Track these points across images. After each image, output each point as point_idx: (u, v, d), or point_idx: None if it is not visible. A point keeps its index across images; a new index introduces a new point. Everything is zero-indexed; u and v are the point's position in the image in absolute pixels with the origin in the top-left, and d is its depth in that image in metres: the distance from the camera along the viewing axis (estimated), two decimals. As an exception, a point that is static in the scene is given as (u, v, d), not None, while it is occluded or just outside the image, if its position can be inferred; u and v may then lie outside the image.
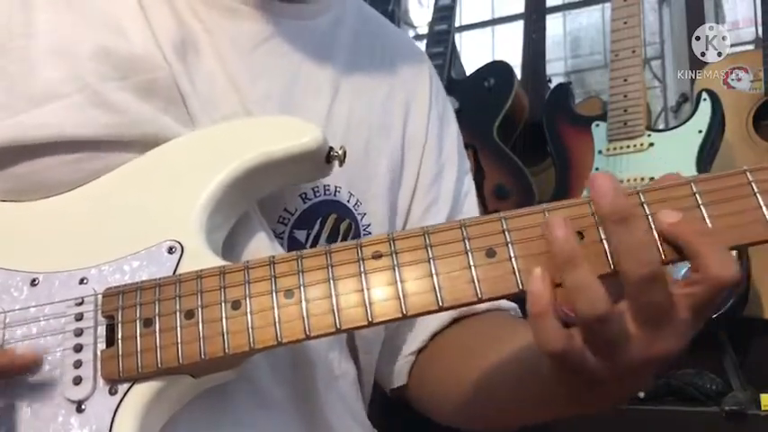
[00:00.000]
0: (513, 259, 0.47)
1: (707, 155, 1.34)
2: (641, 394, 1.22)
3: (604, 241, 0.46)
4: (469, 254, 0.48)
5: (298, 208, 0.66)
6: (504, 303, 0.75)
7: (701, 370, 1.24)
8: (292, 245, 0.65)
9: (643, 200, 0.47)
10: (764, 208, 0.46)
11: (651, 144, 1.38)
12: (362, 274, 0.49)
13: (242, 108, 0.64)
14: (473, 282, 0.47)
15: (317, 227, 0.66)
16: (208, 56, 0.65)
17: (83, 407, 0.51)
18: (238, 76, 0.65)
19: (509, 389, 0.60)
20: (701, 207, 0.46)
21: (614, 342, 0.45)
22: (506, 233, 0.48)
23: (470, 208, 0.81)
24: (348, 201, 0.68)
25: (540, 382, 0.52)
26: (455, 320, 0.73)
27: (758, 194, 0.46)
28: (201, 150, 0.60)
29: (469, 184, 0.82)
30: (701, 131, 1.36)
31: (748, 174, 0.47)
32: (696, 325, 0.46)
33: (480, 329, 0.71)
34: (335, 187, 0.67)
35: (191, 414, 0.56)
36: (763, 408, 1.12)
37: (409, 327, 0.74)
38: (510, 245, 0.47)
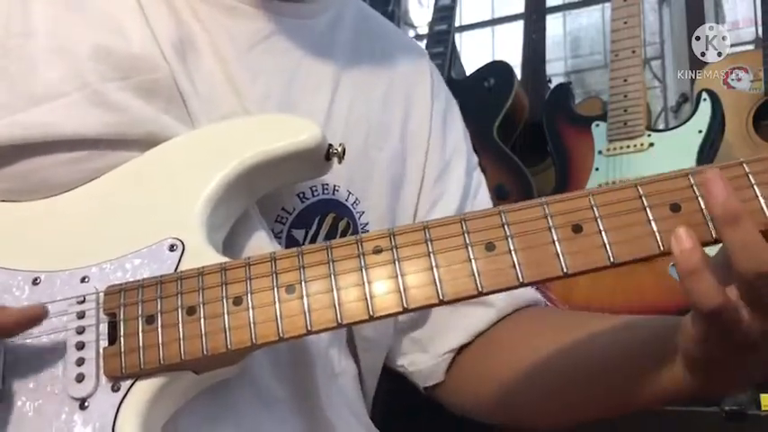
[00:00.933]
0: (512, 252, 0.47)
1: (707, 155, 1.33)
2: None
3: (603, 233, 0.46)
4: (469, 247, 0.48)
5: (296, 207, 0.66)
6: (542, 299, 0.75)
7: (701, 370, 1.24)
8: (290, 244, 0.65)
9: (641, 192, 0.47)
10: None
11: (651, 144, 1.38)
12: (363, 269, 0.49)
13: (241, 107, 0.64)
14: (473, 275, 0.47)
15: (314, 226, 0.66)
16: (207, 55, 0.65)
17: (86, 404, 0.51)
18: (237, 75, 0.65)
19: (612, 368, 0.60)
20: (699, 199, 0.46)
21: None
22: (506, 227, 0.48)
23: (482, 201, 0.81)
24: (347, 199, 0.68)
25: (657, 356, 0.52)
26: (500, 319, 0.73)
27: (756, 187, 0.46)
28: (201, 149, 0.60)
29: (479, 178, 0.82)
30: (701, 131, 1.36)
31: (745, 165, 0.46)
32: None
33: (544, 316, 0.72)
34: (334, 186, 0.68)
35: (192, 411, 0.56)
36: (763, 408, 1.12)
37: (440, 326, 0.74)
38: (509, 238, 0.48)
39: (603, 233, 0.47)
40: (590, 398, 0.63)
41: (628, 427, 1.20)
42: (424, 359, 0.74)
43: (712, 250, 0.47)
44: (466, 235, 0.48)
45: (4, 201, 0.60)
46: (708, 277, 0.44)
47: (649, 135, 1.39)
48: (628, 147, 1.40)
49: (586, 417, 0.66)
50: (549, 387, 0.65)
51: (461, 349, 0.73)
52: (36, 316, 0.52)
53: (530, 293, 0.75)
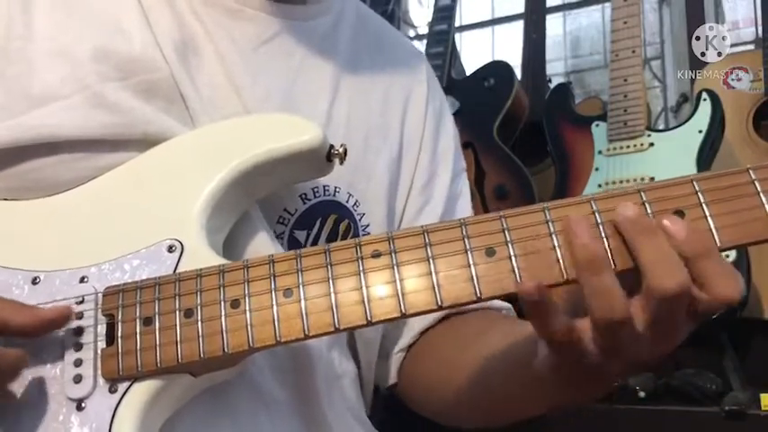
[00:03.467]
0: (512, 258, 0.47)
1: (707, 155, 1.33)
2: (642, 394, 1.21)
3: (605, 239, 0.46)
4: (469, 252, 0.48)
5: (297, 208, 0.66)
6: (497, 303, 0.74)
7: (700, 370, 1.24)
8: (292, 245, 0.65)
9: (645, 198, 0.47)
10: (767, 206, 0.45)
11: (651, 144, 1.38)
12: (361, 273, 0.49)
13: (242, 109, 0.64)
14: (472, 280, 0.47)
15: (316, 227, 0.66)
16: (208, 57, 0.65)
17: (83, 405, 0.51)
18: (239, 77, 0.65)
19: (499, 379, 0.60)
20: (703, 206, 0.46)
21: (623, 343, 0.46)
22: (506, 232, 0.48)
23: (462, 209, 0.81)
24: (347, 201, 0.68)
25: (530, 371, 0.52)
26: (445, 317, 0.73)
27: (761, 194, 0.46)
28: (202, 149, 0.60)
29: (463, 184, 0.82)
30: (701, 131, 1.36)
31: (751, 172, 0.46)
32: (692, 326, 0.47)
33: (471, 324, 0.71)
34: (335, 188, 0.68)
35: (192, 415, 0.56)
36: (763, 408, 1.12)
37: (399, 325, 0.74)
38: (509, 244, 0.47)
39: (605, 239, 0.46)
40: (492, 404, 0.64)
41: (628, 427, 1.20)
42: (384, 359, 0.74)
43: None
44: (466, 240, 0.48)
45: (4, 199, 0.60)
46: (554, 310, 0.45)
47: (649, 135, 1.39)
48: (628, 147, 1.40)
49: (494, 420, 0.66)
50: (459, 391, 0.65)
51: (410, 348, 0.74)
52: (61, 318, 0.52)
53: None
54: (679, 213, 0.46)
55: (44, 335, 0.52)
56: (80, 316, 0.53)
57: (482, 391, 0.62)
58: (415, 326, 0.73)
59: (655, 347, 0.46)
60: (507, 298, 0.49)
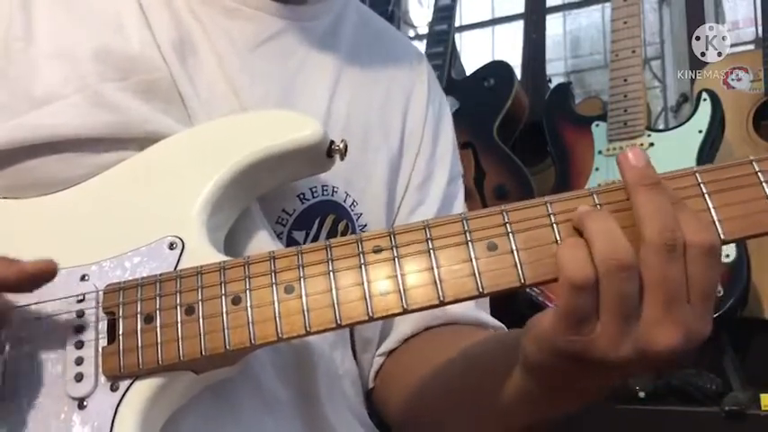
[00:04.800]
0: (514, 252, 0.47)
1: (707, 155, 1.34)
2: (641, 394, 1.22)
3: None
4: (471, 246, 0.48)
5: (296, 209, 0.65)
6: (491, 322, 0.74)
7: (700, 370, 1.24)
8: (291, 245, 0.65)
9: None
10: None
11: (651, 144, 1.39)
12: (363, 268, 0.49)
13: (240, 109, 0.64)
14: (474, 275, 0.47)
15: (315, 227, 0.66)
16: (207, 57, 0.65)
17: (85, 403, 0.51)
18: (237, 77, 0.65)
19: (488, 384, 0.58)
20: (706, 197, 0.46)
21: (627, 307, 0.44)
22: (507, 225, 0.48)
23: (457, 212, 0.80)
24: (344, 201, 0.68)
25: (502, 368, 0.52)
26: (428, 328, 0.71)
27: (764, 183, 0.46)
28: (202, 146, 0.60)
29: (459, 187, 0.82)
30: (701, 131, 1.36)
31: (755, 164, 0.46)
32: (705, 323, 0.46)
33: (454, 334, 0.70)
34: (333, 187, 0.67)
35: (194, 413, 0.56)
36: (763, 408, 1.12)
37: (383, 329, 0.73)
38: (512, 238, 0.47)
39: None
40: (466, 416, 0.62)
41: (628, 427, 1.20)
42: (366, 363, 0.73)
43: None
44: (467, 234, 0.48)
45: (4, 198, 0.60)
46: (585, 251, 0.44)
47: (649, 135, 1.39)
48: (628, 147, 1.40)
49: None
50: (432, 404, 0.64)
51: (389, 354, 0.72)
52: (46, 272, 0.51)
53: (471, 311, 0.72)
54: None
55: (28, 291, 0.51)
56: (81, 314, 0.53)
57: (471, 392, 0.61)
58: (398, 332, 0.71)
59: (657, 336, 0.44)
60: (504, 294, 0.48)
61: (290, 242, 0.65)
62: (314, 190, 0.66)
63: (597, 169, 1.43)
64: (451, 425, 0.64)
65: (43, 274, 0.51)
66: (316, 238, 0.66)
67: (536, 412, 0.54)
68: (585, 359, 0.45)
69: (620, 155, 0.47)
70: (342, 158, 0.61)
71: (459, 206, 0.81)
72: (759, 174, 0.46)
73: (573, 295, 0.44)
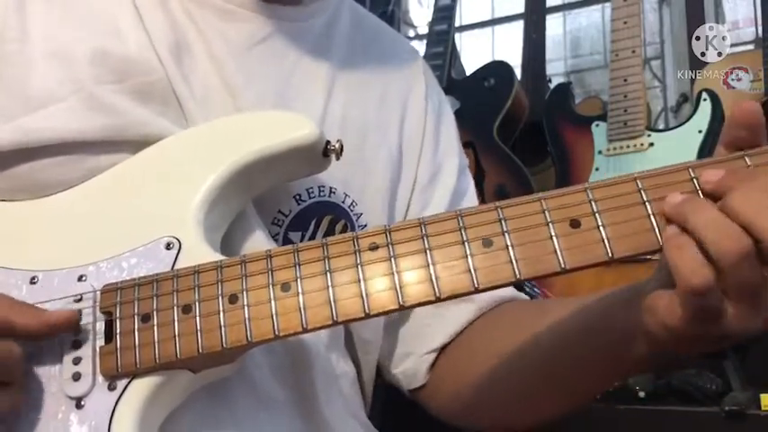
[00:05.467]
0: (509, 248, 0.47)
1: (707, 155, 1.33)
2: (641, 394, 1.21)
3: (601, 228, 0.46)
4: (466, 243, 0.48)
5: (292, 209, 0.65)
6: (523, 296, 0.74)
7: (700, 370, 1.24)
8: None
9: (641, 186, 0.47)
10: None
11: (651, 144, 1.38)
12: (359, 266, 0.49)
13: (236, 110, 0.64)
14: (470, 271, 0.47)
15: (311, 228, 0.66)
16: (202, 58, 0.65)
17: (82, 403, 0.51)
18: (232, 78, 0.65)
19: (580, 348, 0.58)
20: (701, 193, 0.46)
21: (755, 286, 0.43)
22: (503, 222, 0.48)
23: (470, 203, 0.80)
24: (343, 201, 0.68)
25: (616, 330, 0.51)
26: (481, 315, 0.72)
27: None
28: (198, 146, 0.60)
29: (468, 180, 0.82)
30: (701, 131, 1.36)
31: (747, 158, 0.46)
32: None
33: (523, 307, 0.71)
34: (330, 188, 0.67)
35: (191, 414, 0.56)
36: (763, 408, 1.12)
37: (423, 324, 0.73)
38: (506, 234, 0.47)
39: (602, 228, 0.46)
40: (556, 387, 0.62)
41: (628, 427, 1.20)
42: (406, 360, 0.73)
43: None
44: (462, 231, 0.48)
45: (2, 200, 0.60)
46: (696, 253, 0.43)
47: (649, 135, 1.39)
48: (628, 147, 1.40)
49: (556, 411, 0.65)
50: (515, 384, 0.65)
51: (443, 348, 0.72)
52: (68, 324, 0.52)
53: (510, 288, 0.73)
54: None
55: (49, 338, 0.52)
56: (78, 314, 0.53)
57: (560, 361, 0.61)
58: (447, 325, 0.71)
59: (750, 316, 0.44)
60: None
61: (286, 243, 0.65)
62: (310, 191, 0.66)
63: (597, 169, 1.42)
64: (546, 394, 0.64)
65: (65, 326, 0.52)
66: (312, 239, 0.66)
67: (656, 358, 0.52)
68: (723, 336, 0.44)
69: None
70: (338, 158, 0.61)
71: (472, 198, 0.81)
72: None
73: (696, 300, 0.43)
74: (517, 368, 0.64)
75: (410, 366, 0.73)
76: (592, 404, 1.14)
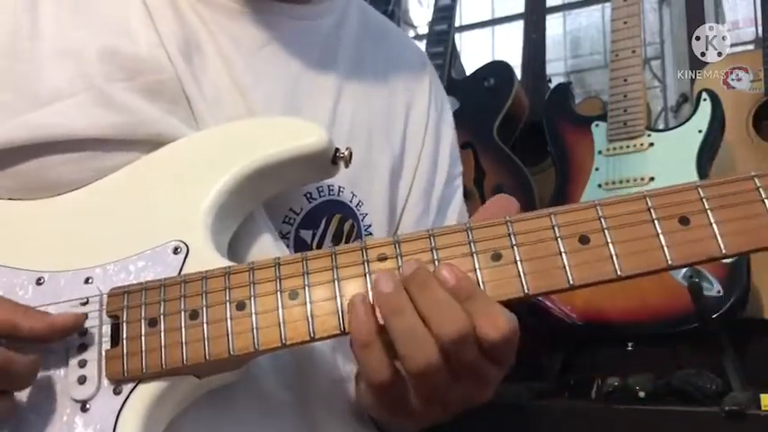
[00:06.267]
0: (518, 263, 0.47)
1: (707, 155, 1.33)
2: (642, 394, 1.21)
3: (610, 245, 0.46)
4: (475, 256, 0.48)
5: (303, 208, 0.66)
6: None
7: (700, 370, 1.24)
8: (298, 244, 0.65)
9: (650, 204, 0.47)
10: None
11: (651, 144, 1.38)
12: (367, 276, 0.49)
13: (246, 110, 0.65)
14: (478, 284, 0.47)
15: (322, 227, 0.66)
16: (212, 58, 0.65)
17: (87, 406, 0.51)
18: (242, 77, 0.65)
19: None
20: (708, 212, 0.46)
21: (438, 389, 0.48)
22: (512, 236, 0.48)
23: (452, 215, 0.80)
24: (350, 201, 0.68)
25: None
26: None
27: (766, 200, 0.46)
28: (207, 151, 0.60)
29: (456, 188, 0.82)
30: (701, 131, 1.35)
31: (756, 180, 0.46)
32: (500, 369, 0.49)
33: None
34: (339, 187, 0.68)
35: (195, 416, 0.56)
36: (763, 408, 1.12)
37: None
38: (515, 248, 0.47)
39: (611, 245, 0.46)
40: None
41: (628, 427, 1.20)
42: None
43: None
44: (472, 244, 0.48)
45: (10, 199, 0.60)
46: (378, 353, 0.47)
47: (649, 135, 1.39)
48: (628, 147, 1.40)
49: None
50: None
51: None
52: (73, 327, 0.52)
53: None
54: (684, 220, 0.46)
55: (55, 342, 0.52)
56: (84, 317, 0.53)
57: None
58: None
59: (469, 393, 0.49)
60: (508, 304, 0.49)
61: (298, 241, 0.65)
62: (320, 189, 0.66)
63: (597, 169, 1.42)
64: None
65: (71, 329, 0.52)
66: (322, 238, 0.66)
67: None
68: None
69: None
70: (346, 166, 0.61)
71: (457, 205, 0.81)
72: (760, 190, 0.46)
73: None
74: None
75: None
76: (592, 404, 1.15)
